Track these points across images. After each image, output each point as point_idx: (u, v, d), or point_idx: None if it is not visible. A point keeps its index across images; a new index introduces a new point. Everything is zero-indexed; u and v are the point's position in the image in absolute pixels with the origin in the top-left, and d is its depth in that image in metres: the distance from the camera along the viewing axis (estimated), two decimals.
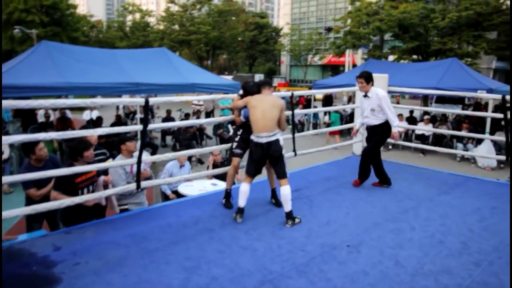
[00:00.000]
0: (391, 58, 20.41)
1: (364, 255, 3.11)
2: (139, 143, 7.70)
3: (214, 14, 32.77)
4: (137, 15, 36.26)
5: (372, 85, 4.77)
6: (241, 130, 4.10)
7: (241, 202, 3.67)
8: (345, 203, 4.33)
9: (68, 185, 3.67)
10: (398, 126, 4.72)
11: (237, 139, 4.13)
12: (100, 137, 5.73)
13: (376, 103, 4.72)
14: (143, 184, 3.73)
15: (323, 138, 12.61)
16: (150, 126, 3.79)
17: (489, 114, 8.70)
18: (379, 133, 4.83)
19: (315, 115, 16.76)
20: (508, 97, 5.00)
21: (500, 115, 5.43)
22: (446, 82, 11.47)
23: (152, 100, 3.58)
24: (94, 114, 12.17)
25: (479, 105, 15.41)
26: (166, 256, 3.02)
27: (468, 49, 17.52)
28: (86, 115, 12.60)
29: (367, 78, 4.73)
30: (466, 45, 17.63)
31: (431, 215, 4.01)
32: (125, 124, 11.90)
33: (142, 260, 2.95)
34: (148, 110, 3.47)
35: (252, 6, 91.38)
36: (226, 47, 35.42)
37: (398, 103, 23.61)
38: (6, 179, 3.13)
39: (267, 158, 3.75)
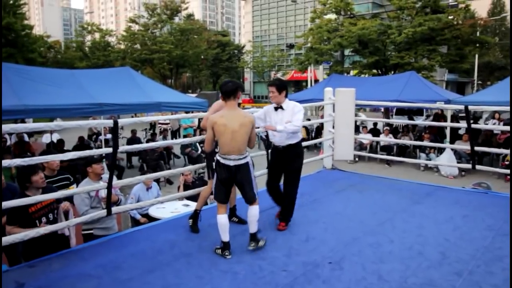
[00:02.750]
0: (351, 72, 21.03)
1: (347, 271, 3.05)
2: (105, 165, 7.39)
3: (176, 33, 32.65)
4: (97, 35, 35.55)
5: (286, 96, 3.87)
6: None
7: (225, 236, 3.27)
8: (322, 218, 4.28)
9: (22, 217, 3.32)
10: (280, 131, 3.80)
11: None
12: (62, 160, 5.43)
13: (292, 117, 3.85)
14: (114, 209, 3.53)
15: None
16: (120, 148, 3.61)
17: (449, 124, 9.03)
18: (295, 158, 3.97)
19: None
20: (470, 107, 5.19)
21: (460, 125, 5.63)
22: (406, 95, 11.85)
23: (121, 122, 3.42)
24: (55, 137, 11.64)
25: (438, 116, 16.03)
26: (141, 286, 2.83)
27: (424, 62, 18.34)
28: (46, 138, 12.06)
29: (279, 86, 3.79)
30: (422, 59, 18.45)
31: (407, 226, 4.03)
32: (89, 146, 11.44)
33: None
34: (117, 131, 3.30)
35: (214, 24, 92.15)
36: (190, 65, 35.30)
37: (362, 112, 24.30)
38: None
39: (234, 181, 3.39)
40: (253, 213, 3.39)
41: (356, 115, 7.03)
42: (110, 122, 3.26)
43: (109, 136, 12.15)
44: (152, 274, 3.01)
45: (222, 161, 3.32)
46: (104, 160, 7.80)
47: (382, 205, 4.77)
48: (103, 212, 3.39)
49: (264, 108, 4.02)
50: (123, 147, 3.65)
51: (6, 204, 2.98)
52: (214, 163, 3.41)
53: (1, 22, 20.40)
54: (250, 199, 3.41)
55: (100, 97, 8.26)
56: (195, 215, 3.85)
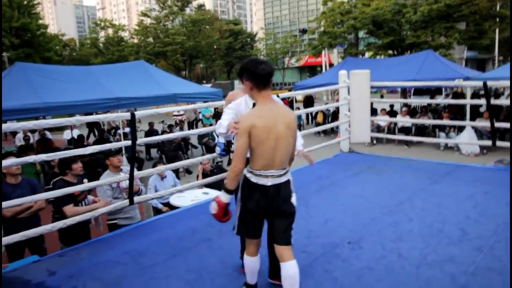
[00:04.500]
0: (367, 55, 20.73)
1: (366, 250, 3.08)
2: (124, 157, 7.57)
3: (188, 24, 32.71)
4: (110, 31, 35.91)
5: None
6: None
7: (252, 279, 2.49)
8: (340, 200, 4.32)
9: (72, 199, 3.74)
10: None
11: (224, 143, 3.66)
12: (83, 155, 5.61)
13: None
14: (136, 199, 3.64)
15: (310, 138, 12.64)
16: (138, 141, 3.71)
17: (469, 101, 8.86)
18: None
19: (298, 117, 16.83)
20: (489, 83, 5.10)
21: (480, 102, 5.54)
22: (424, 74, 11.65)
23: (138, 114, 3.51)
24: (75, 133, 11.92)
25: (457, 94, 15.71)
26: (166, 270, 2.94)
27: (442, 40, 17.92)
28: (67, 135, 12.34)
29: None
30: (439, 37, 18.03)
31: (427, 205, 4.02)
32: (108, 140, 11.68)
33: (141, 277, 2.86)
34: (135, 124, 3.39)
35: (225, 13, 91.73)
36: (203, 56, 35.38)
37: (382, 96, 24.00)
38: None
39: (270, 210, 2.34)
40: (293, 272, 2.30)
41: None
42: (127, 115, 3.34)
43: (127, 129, 12.36)
44: (175, 259, 3.11)
45: (254, 179, 2.30)
46: (123, 152, 7.99)
47: (400, 185, 4.77)
48: (126, 202, 3.51)
49: (235, 103, 2.75)
50: (141, 139, 3.75)
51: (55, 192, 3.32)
52: (239, 184, 2.38)
53: (1, 25, 20.77)
54: (286, 238, 2.36)
55: (117, 91, 8.42)
56: None
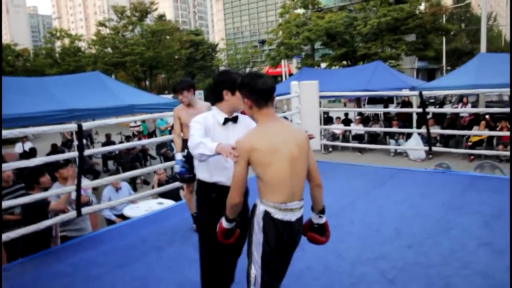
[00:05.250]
0: (323, 65, 21.40)
1: (308, 251, 3.21)
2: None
3: (147, 35, 32.35)
4: (66, 41, 34.87)
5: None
6: (186, 151, 3.46)
7: None
8: None
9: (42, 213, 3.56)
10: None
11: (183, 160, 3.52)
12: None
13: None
14: (84, 210, 3.63)
15: None
16: (87, 152, 3.71)
17: (404, 110, 9.40)
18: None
19: None
20: (424, 93, 5.48)
21: (413, 110, 5.95)
22: (374, 84, 12.20)
23: (86, 125, 3.53)
24: (27, 146, 11.51)
25: (405, 103, 16.51)
26: (112, 279, 2.97)
27: (391, 52, 18.83)
28: (19, 148, 11.90)
29: (238, 89, 2.12)
30: (389, 49, 18.94)
31: (368, 208, 4.26)
32: (62, 152, 11.35)
33: (87, 286, 2.87)
34: (82, 135, 3.40)
35: (186, 24, 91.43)
36: (163, 67, 35.01)
37: (345, 105, 24.81)
38: None
39: (288, 251, 2.03)
40: None
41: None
42: (74, 127, 3.35)
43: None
44: (123, 268, 3.14)
45: (279, 216, 1.89)
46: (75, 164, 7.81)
47: (347, 190, 5.00)
48: (73, 214, 3.50)
49: (201, 117, 2.35)
50: (89, 150, 3.74)
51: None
52: (254, 222, 1.95)
53: (1, 29, 19.76)
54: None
55: (70, 103, 8.25)
56: (194, 219, 3.68)
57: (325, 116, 14.59)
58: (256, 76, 1.97)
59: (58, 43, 36.54)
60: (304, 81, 6.58)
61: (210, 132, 2.30)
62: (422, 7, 20.30)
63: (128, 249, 3.52)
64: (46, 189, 3.70)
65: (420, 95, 5.35)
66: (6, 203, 3.27)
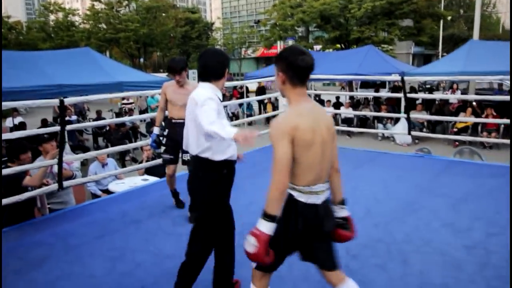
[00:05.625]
0: (317, 47, 21.30)
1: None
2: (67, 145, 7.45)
3: (142, 11, 31.87)
4: (60, 14, 34.25)
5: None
6: (167, 130, 3.60)
7: None
8: (266, 185, 4.60)
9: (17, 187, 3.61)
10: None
11: (164, 141, 3.61)
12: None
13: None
14: (66, 183, 3.73)
15: (261, 127, 12.94)
16: (69, 127, 3.78)
17: (391, 94, 9.52)
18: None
19: (249, 106, 17.05)
20: (408, 78, 5.57)
21: (398, 95, 6.05)
22: (364, 68, 12.23)
23: (68, 100, 3.58)
24: (17, 121, 11.51)
25: (396, 88, 16.61)
26: (91, 249, 3.08)
27: (384, 36, 18.77)
28: (9, 122, 11.90)
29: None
30: (382, 33, 18.88)
31: (344, 189, 4.39)
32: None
33: (66, 256, 2.99)
34: (63, 110, 3.47)
35: (184, 1, 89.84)
36: (158, 44, 34.63)
37: (343, 88, 24.73)
38: None
39: (315, 233, 1.89)
40: None
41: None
42: (56, 102, 3.41)
43: (74, 117, 12.09)
44: (101, 239, 3.26)
45: (303, 198, 1.82)
46: (66, 140, 7.87)
47: None
48: (54, 186, 3.59)
49: (213, 94, 2.30)
50: (72, 125, 3.82)
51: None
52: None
53: (1, 21, 19.33)
54: (338, 262, 1.99)
55: (59, 78, 8.24)
56: (173, 194, 3.85)
57: (317, 99, 14.65)
58: (298, 51, 1.80)
59: (52, 17, 35.92)
60: None
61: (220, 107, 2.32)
62: None
63: (108, 221, 3.64)
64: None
65: (402, 80, 5.44)
66: None
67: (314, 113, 1.81)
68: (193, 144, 2.33)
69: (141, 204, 4.08)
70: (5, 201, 3.24)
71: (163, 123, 3.67)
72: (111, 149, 4.84)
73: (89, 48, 11.49)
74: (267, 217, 1.69)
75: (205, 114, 2.16)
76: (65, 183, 3.72)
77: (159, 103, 3.72)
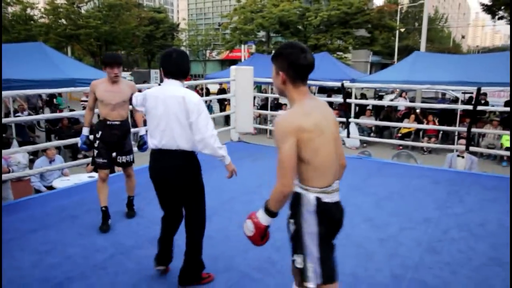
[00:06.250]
0: None
1: (214, 223, 3.46)
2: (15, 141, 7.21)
3: (104, 8, 31.08)
4: (18, 8, 32.74)
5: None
6: (100, 132, 3.35)
7: None
8: (211, 182, 4.63)
9: None
10: None
11: (96, 144, 3.37)
12: None
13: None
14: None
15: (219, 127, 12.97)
16: (6, 120, 3.72)
17: (333, 99, 9.98)
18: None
19: (209, 108, 17.06)
20: (346, 84, 5.84)
21: (336, 99, 6.35)
22: (320, 73, 12.56)
23: (5, 94, 3.52)
24: None
25: (348, 94, 17.17)
26: (22, 244, 3.06)
27: (339, 44, 19.40)
28: None
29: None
30: (338, 41, 19.50)
31: None
32: (2, 126, 10.89)
33: None
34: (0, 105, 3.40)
35: (151, 0, 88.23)
36: (120, 42, 33.87)
37: (314, 93, 25.14)
38: None
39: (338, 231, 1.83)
40: None
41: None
42: None
43: (25, 113, 11.65)
44: (35, 234, 3.23)
45: (328, 199, 1.72)
46: (14, 136, 7.64)
47: (268, 170, 5.20)
48: None
49: (197, 96, 2.48)
50: (7, 119, 3.75)
51: None
52: (303, 212, 1.72)
53: (1, 20, 18.02)
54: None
55: (8, 73, 7.94)
56: (103, 214, 3.40)
57: (275, 102, 14.91)
58: (299, 48, 1.66)
59: (9, 10, 34.27)
60: (258, 66, 6.77)
61: None
62: (375, 2, 20.98)
63: (45, 216, 3.60)
64: None
65: (342, 86, 5.72)
66: None
67: (320, 110, 1.72)
68: (181, 139, 2.42)
69: (81, 200, 4.05)
70: None
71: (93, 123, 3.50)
72: (58, 142, 4.76)
73: (42, 43, 11.12)
74: (269, 212, 1.70)
75: (209, 127, 2.40)
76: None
77: (88, 102, 3.47)
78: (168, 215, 2.64)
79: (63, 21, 30.20)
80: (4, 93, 3.66)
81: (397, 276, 2.65)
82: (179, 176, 2.47)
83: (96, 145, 3.37)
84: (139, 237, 3.19)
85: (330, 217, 1.73)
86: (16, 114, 11.99)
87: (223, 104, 16.71)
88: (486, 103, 11.29)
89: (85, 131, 3.41)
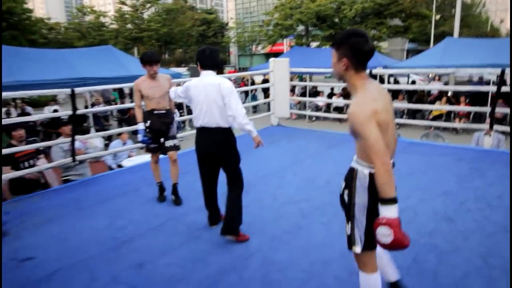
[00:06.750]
0: (313, 44, 21.20)
1: (251, 196, 3.58)
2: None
3: (162, 13, 31.97)
4: (92, 16, 34.54)
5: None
6: (149, 121, 3.39)
7: None
8: (251, 161, 4.75)
9: (10, 160, 3.88)
10: None
11: (146, 131, 3.42)
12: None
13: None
14: (78, 157, 4.02)
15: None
16: (79, 111, 4.06)
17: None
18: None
19: (254, 97, 17.17)
20: (376, 70, 5.68)
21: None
22: None
23: (78, 90, 3.85)
24: (53, 109, 11.89)
25: (381, 80, 16.51)
26: (96, 210, 3.38)
27: (373, 34, 18.59)
28: (48, 110, 12.32)
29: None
30: (372, 31, 18.70)
31: (313, 164, 4.60)
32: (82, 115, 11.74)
33: (76, 214, 3.29)
34: (74, 98, 3.73)
35: (203, 2, 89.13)
36: (177, 42, 34.78)
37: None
38: None
39: None
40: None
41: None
42: (68, 91, 3.68)
43: (102, 105, 12.43)
44: (105, 203, 3.54)
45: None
46: (92, 125, 8.20)
47: (303, 149, 5.32)
48: (69, 160, 3.89)
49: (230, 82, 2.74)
50: (81, 110, 4.09)
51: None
52: (357, 185, 1.73)
53: (1, 20, 19.71)
54: None
55: (85, 72, 8.54)
56: (159, 188, 3.60)
57: (314, 90, 14.72)
58: (361, 34, 1.60)
59: (87, 18, 36.24)
60: (298, 58, 6.75)
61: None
62: None
63: (115, 188, 3.92)
64: (21, 141, 4.01)
65: (370, 72, 5.57)
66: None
67: (382, 94, 1.66)
68: (219, 119, 2.71)
69: (143, 176, 4.34)
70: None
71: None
72: (128, 128, 5.12)
73: (111, 46, 11.74)
74: (388, 201, 1.53)
75: (239, 106, 2.68)
76: (78, 157, 4.01)
77: (135, 100, 3.44)
78: (206, 182, 2.89)
79: (129, 26, 31.48)
80: (82, 89, 4.02)
81: (411, 241, 2.61)
82: (219, 148, 2.75)
83: (147, 131, 3.42)
84: (189, 207, 3.40)
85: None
86: (93, 107, 12.83)
87: (267, 93, 16.75)
88: None
89: (141, 125, 3.37)
